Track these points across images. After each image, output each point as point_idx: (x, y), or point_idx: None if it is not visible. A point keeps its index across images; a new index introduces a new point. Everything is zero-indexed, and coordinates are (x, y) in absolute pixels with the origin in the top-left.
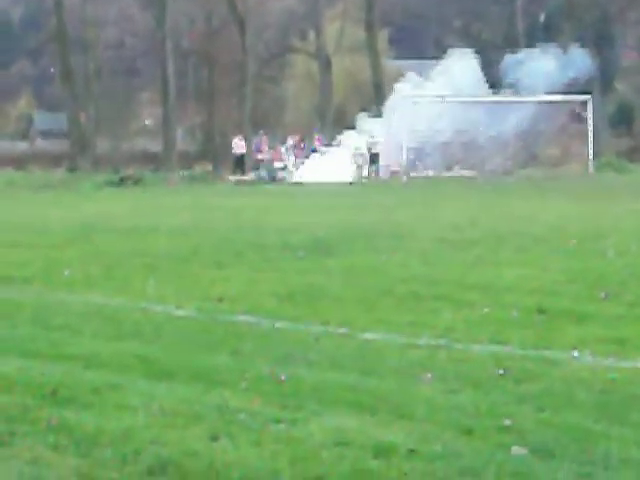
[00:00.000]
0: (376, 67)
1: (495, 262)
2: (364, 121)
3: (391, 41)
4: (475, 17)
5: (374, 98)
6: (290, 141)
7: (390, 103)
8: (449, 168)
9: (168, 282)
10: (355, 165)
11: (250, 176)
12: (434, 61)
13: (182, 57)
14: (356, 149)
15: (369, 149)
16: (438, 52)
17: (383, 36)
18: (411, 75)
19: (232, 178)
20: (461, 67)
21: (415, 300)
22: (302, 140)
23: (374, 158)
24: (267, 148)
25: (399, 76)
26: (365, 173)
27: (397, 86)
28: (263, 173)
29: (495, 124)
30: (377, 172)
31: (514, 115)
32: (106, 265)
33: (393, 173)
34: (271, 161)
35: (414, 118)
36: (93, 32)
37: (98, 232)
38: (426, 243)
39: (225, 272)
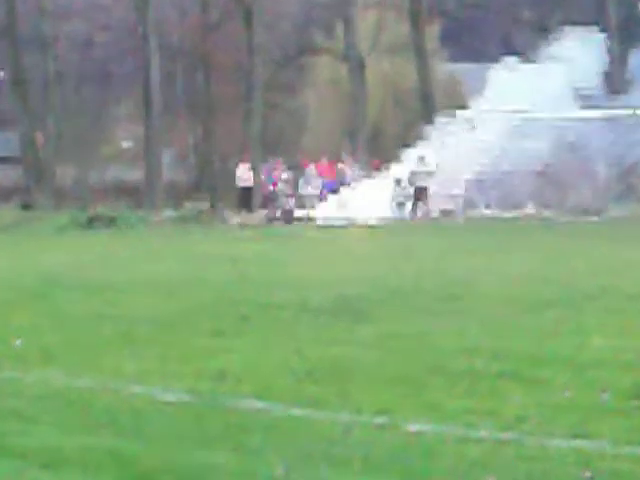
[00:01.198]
0: (424, 72)
1: (578, 328)
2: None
3: (443, 38)
4: (555, 4)
5: (421, 113)
6: (284, 175)
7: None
8: (518, 205)
9: (150, 355)
10: (395, 202)
11: (259, 215)
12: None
13: (170, 59)
14: (397, 181)
15: (412, 181)
16: (506, 52)
17: (433, 32)
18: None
19: (235, 218)
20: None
21: (474, 379)
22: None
23: (420, 193)
24: (284, 176)
25: (455, 84)
26: (408, 212)
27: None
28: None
29: (582, 146)
30: (425, 210)
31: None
32: (69, 333)
33: (445, 212)
34: (287, 195)
35: (479, 139)
36: (52, 25)
37: (59, 289)
38: (488, 304)
39: (226, 341)
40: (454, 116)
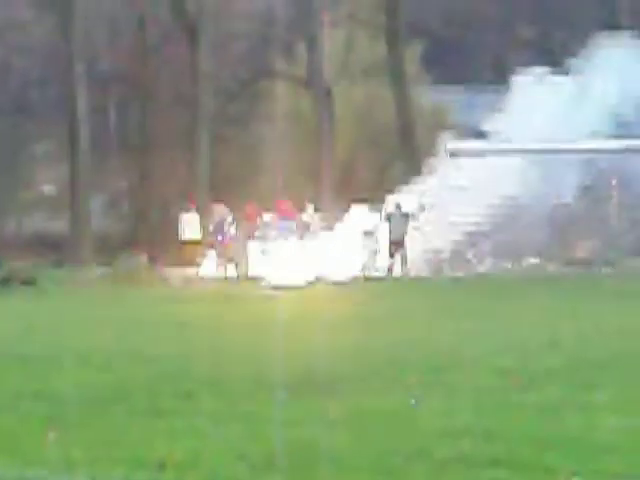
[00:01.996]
0: (403, 101)
1: (585, 404)
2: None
3: (425, 60)
4: (558, 22)
5: (399, 148)
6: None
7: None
8: (518, 258)
9: (77, 440)
10: (366, 257)
11: (205, 271)
12: (493, 88)
13: (101, 86)
14: (366, 233)
15: (387, 232)
16: (498, 76)
17: (413, 53)
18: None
19: (176, 275)
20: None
21: (464, 467)
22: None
23: (397, 246)
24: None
25: (440, 113)
26: (381, 268)
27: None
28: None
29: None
30: (403, 264)
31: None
32: None
33: (430, 265)
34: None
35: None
36: None
37: None
38: (479, 376)
39: (167, 422)
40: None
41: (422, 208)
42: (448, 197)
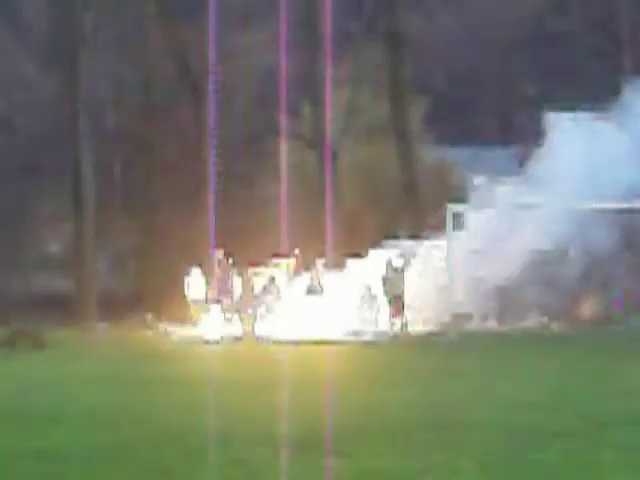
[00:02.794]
0: (407, 158)
1: (592, 465)
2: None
3: (429, 118)
4: (567, 78)
5: (403, 205)
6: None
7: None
8: (522, 316)
9: None
10: (362, 314)
11: (210, 329)
12: (499, 147)
13: (106, 145)
14: (367, 289)
15: (385, 290)
16: (501, 133)
17: (417, 110)
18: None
19: (181, 334)
20: None
21: None
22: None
23: (395, 303)
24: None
25: (444, 170)
26: (377, 323)
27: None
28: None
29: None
30: (404, 323)
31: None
32: None
33: (432, 324)
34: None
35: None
36: None
37: None
38: (485, 435)
39: None
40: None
41: (407, 262)
42: (459, 256)
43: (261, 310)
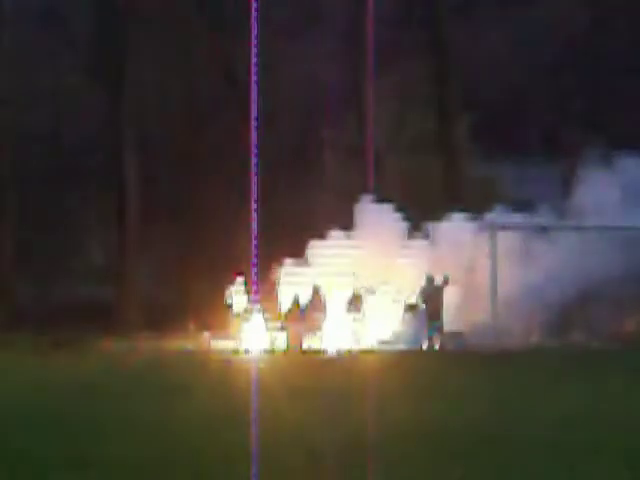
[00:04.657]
0: (452, 172)
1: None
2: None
3: (476, 132)
4: (609, 96)
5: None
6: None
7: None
8: (563, 333)
9: None
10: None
11: (252, 342)
12: (543, 162)
13: (151, 154)
14: (409, 306)
15: (426, 297)
16: (548, 150)
17: (464, 124)
18: None
19: (223, 345)
20: None
21: None
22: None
23: (433, 316)
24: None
25: (489, 185)
26: (417, 340)
27: None
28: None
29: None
30: (436, 336)
31: None
32: None
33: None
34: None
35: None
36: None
37: (15, 428)
38: (523, 450)
39: None
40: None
41: (447, 278)
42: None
43: (307, 322)
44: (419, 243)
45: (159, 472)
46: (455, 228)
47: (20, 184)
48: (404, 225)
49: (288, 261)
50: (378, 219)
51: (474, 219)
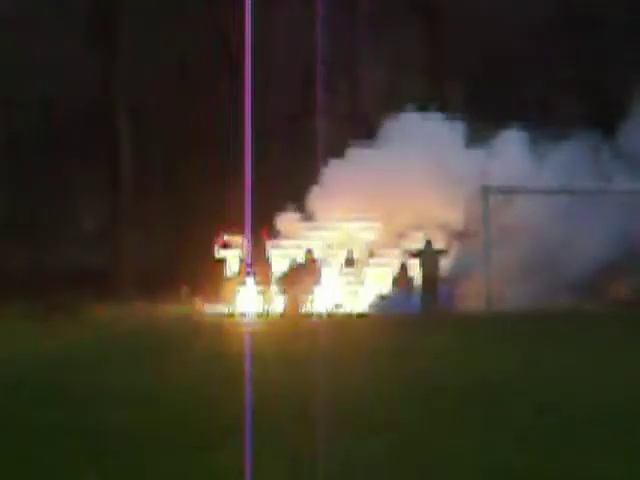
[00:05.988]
0: None
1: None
2: None
3: (468, 100)
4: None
5: None
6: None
7: None
8: (554, 295)
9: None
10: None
11: (246, 307)
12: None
13: (144, 120)
14: (402, 267)
15: (420, 265)
16: (540, 117)
17: (455, 92)
18: None
19: (217, 310)
20: None
21: None
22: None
23: (429, 281)
24: None
25: None
26: (411, 303)
27: None
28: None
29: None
30: (435, 298)
31: None
32: (22, 448)
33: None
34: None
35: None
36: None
37: (9, 393)
38: (524, 415)
39: (210, 458)
40: None
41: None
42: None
43: (302, 284)
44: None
45: (151, 440)
46: None
47: (13, 152)
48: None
49: (286, 216)
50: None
51: None
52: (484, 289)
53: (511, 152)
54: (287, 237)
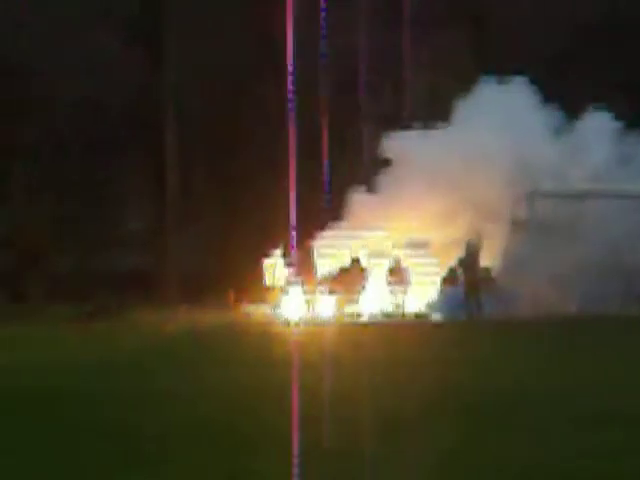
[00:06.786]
0: None
1: None
2: None
3: None
4: None
5: None
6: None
7: None
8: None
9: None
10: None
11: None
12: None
13: (191, 124)
14: (450, 271)
15: (464, 266)
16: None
17: None
18: None
19: (260, 315)
20: None
21: None
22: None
23: (472, 285)
24: None
25: None
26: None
27: None
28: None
29: None
30: (477, 305)
31: None
32: (68, 450)
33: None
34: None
35: None
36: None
37: (57, 396)
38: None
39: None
40: None
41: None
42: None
43: (349, 291)
44: None
45: (194, 446)
46: None
47: (60, 154)
48: None
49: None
50: None
51: None
52: (542, 293)
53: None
54: (334, 241)
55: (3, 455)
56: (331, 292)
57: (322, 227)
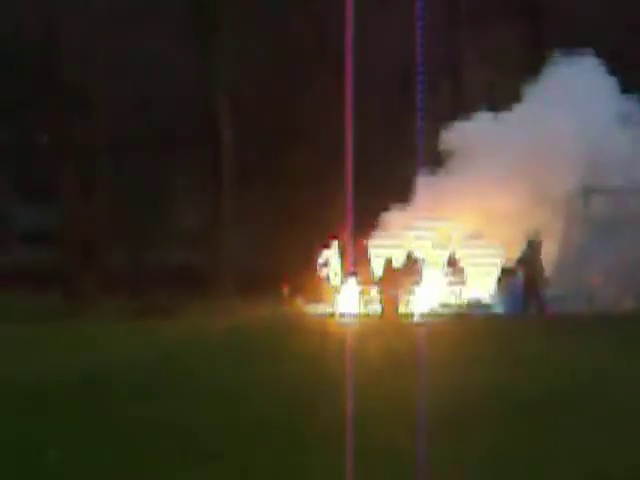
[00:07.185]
0: None
1: None
2: None
3: None
4: None
5: None
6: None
7: None
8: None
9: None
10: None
11: (345, 308)
12: None
13: (245, 121)
14: (503, 271)
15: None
16: None
17: None
18: None
19: (310, 307)
20: None
21: None
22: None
23: (531, 285)
24: None
25: None
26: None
27: None
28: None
29: None
30: (540, 305)
31: None
32: (121, 445)
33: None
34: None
35: None
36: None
37: (108, 391)
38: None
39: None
40: None
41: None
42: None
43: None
44: None
45: (250, 439)
46: None
47: (115, 151)
48: None
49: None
50: None
51: None
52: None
53: None
54: (390, 237)
55: (67, 452)
56: (382, 289)
57: (377, 225)
